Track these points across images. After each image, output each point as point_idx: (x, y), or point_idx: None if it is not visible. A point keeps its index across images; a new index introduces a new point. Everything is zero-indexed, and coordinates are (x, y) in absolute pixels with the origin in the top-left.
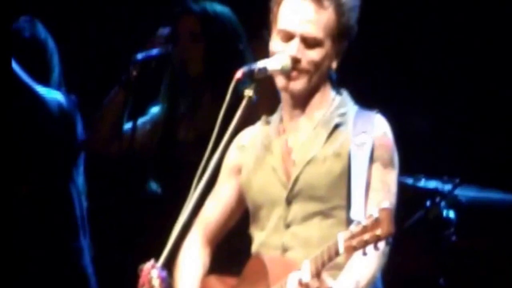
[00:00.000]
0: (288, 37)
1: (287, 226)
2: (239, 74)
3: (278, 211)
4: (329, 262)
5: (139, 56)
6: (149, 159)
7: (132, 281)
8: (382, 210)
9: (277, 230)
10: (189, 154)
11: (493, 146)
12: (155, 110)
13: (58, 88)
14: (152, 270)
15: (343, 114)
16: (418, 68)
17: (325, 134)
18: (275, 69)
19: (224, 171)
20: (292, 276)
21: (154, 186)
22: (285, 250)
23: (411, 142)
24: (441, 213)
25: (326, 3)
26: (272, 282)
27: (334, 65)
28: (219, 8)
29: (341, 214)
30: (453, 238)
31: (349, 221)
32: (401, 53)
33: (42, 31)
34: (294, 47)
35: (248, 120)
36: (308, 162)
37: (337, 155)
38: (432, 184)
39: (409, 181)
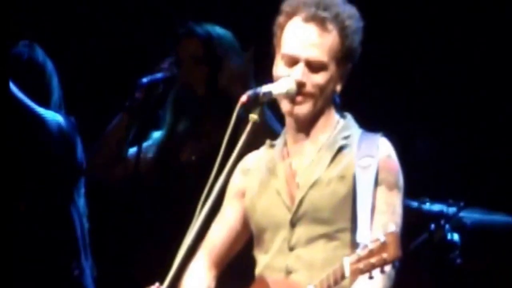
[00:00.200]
0: (293, 61)
1: (291, 248)
2: (244, 98)
3: (282, 234)
4: (334, 286)
5: (145, 79)
6: (152, 182)
7: None
8: (389, 233)
9: (281, 253)
10: (191, 175)
11: (497, 169)
12: (157, 134)
13: (57, 110)
14: None
15: (347, 137)
16: (422, 91)
17: (329, 156)
18: (280, 93)
19: (228, 195)
20: None
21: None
22: (289, 272)
23: (416, 166)
24: (446, 236)
25: (330, 26)
26: None
27: (338, 88)
28: (221, 31)
29: (346, 236)
30: (458, 260)
31: (354, 244)
32: (405, 76)
33: (40, 54)
34: (299, 72)
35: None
36: (313, 185)
37: (342, 177)
38: (437, 207)
39: (414, 204)
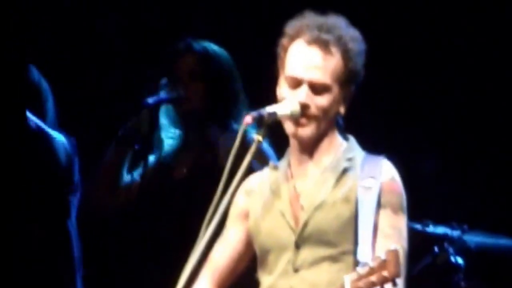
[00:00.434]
0: (296, 83)
1: (296, 270)
2: (248, 118)
3: (287, 255)
4: None
5: (150, 100)
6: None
7: None
8: (390, 251)
9: (285, 274)
10: (182, 190)
11: (501, 193)
12: (151, 158)
13: (53, 130)
14: None
15: (350, 159)
16: (425, 114)
17: (333, 179)
18: (285, 115)
19: (232, 216)
20: None
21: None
22: None
23: (419, 188)
24: (449, 259)
25: (333, 49)
26: None
27: (342, 110)
28: (217, 48)
29: (350, 258)
30: (462, 284)
31: (357, 264)
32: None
33: (35, 74)
34: (303, 94)
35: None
36: (317, 207)
37: (346, 199)
38: (441, 230)
39: (417, 226)
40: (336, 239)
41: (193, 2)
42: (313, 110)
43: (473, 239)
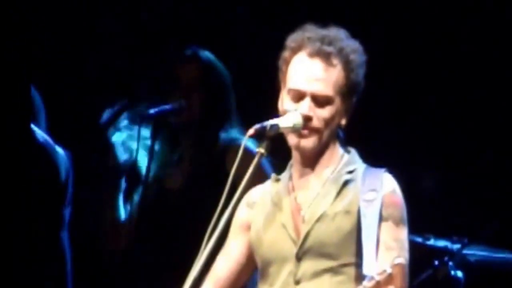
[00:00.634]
0: (299, 96)
1: (297, 282)
2: (251, 131)
3: (288, 267)
4: None
5: (152, 111)
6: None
7: None
8: (396, 265)
9: (286, 286)
10: (176, 200)
11: (502, 206)
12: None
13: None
14: None
15: (352, 172)
16: (427, 128)
17: (334, 191)
18: (287, 127)
19: (233, 228)
20: None
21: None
22: None
23: (420, 201)
24: (450, 273)
25: (335, 61)
26: None
27: (343, 122)
28: (219, 62)
29: (351, 271)
30: None
31: (359, 278)
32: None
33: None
34: (306, 106)
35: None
36: (318, 219)
37: (347, 212)
38: (441, 243)
39: (418, 240)
40: (337, 252)
41: (193, 13)
42: (315, 122)
43: (474, 253)
